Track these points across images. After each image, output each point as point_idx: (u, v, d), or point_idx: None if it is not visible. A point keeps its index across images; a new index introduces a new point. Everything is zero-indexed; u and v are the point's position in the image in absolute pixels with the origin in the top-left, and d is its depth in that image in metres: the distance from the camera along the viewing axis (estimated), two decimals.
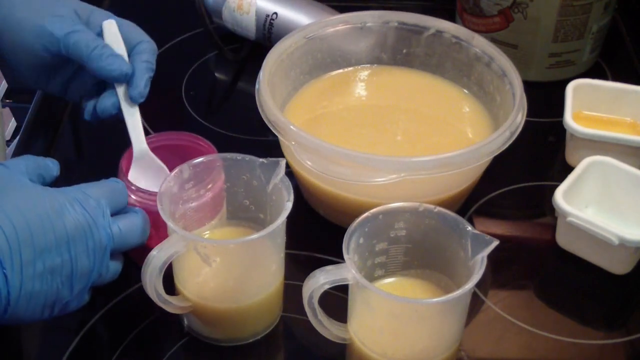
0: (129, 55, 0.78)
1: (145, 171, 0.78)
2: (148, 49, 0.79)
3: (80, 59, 0.76)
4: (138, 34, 0.80)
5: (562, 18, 0.98)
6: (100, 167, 0.92)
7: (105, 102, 0.78)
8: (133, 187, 0.75)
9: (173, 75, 1.04)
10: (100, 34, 0.78)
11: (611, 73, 1.06)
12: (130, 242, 0.69)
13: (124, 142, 0.79)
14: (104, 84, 0.79)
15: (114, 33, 0.78)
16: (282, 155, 0.77)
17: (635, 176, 0.83)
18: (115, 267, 0.69)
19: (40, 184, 0.68)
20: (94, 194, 0.67)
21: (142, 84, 0.77)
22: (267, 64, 0.84)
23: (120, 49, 0.78)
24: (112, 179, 0.71)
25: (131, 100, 0.77)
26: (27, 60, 0.78)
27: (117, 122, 0.87)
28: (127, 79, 0.77)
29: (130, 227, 0.69)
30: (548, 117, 0.96)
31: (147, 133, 0.86)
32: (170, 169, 0.73)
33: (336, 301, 0.70)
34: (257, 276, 0.73)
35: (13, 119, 1.56)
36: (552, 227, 0.84)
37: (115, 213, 0.69)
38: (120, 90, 0.77)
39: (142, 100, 0.78)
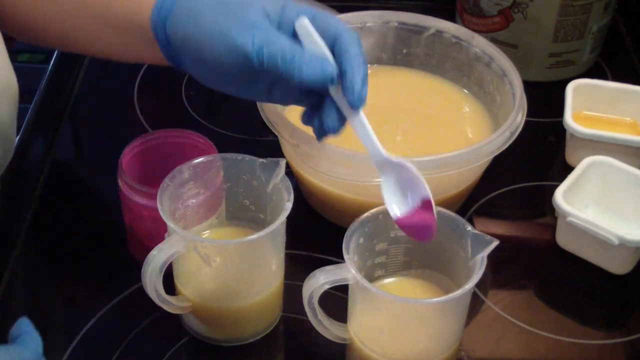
0: (332, 53, 0.66)
1: (397, 182, 0.68)
2: (350, 40, 0.66)
3: (277, 72, 0.65)
4: (334, 26, 0.67)
5: (562, 18, 0.98)
6: (100, 166, 0.92)
7: (328, 120, 0.67)
8: (136, 187, 0.75)
9: (173, 75, 1.04)
10: (294, 34, 0.67)
11: (611, 73, 1.06)
12: None
13: (124, 141, 0.79)
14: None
15: (309, 33, 0.66)
16: (282, 155, 0.77)
17: (635, 176, 0.83)
18: None
19: None
20: None
21: (356, 83, 0.65)
22: None
23: (320, 48, 0.66)
24: (26, 342, 0.59)
25: (350, 106, 0.66)
26: (220, 74, 0.68)
27: (116, 119, 0.87)
28: (335, 81, 0.65)
29: None
30: (548, 117, 0.96)
31: (146, 131, 0.87)
32: (169, 167, 0.73)
33: (336, 301, 0.70)
34: (257, 276, 0.73)
35: None
36: (552, 227, 0.84)
37: None
38: (338, 95, 0.66)
39: (362, 104, 0.66)
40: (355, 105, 0.66)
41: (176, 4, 0.67)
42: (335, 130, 0.68)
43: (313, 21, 0.66)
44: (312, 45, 0.66)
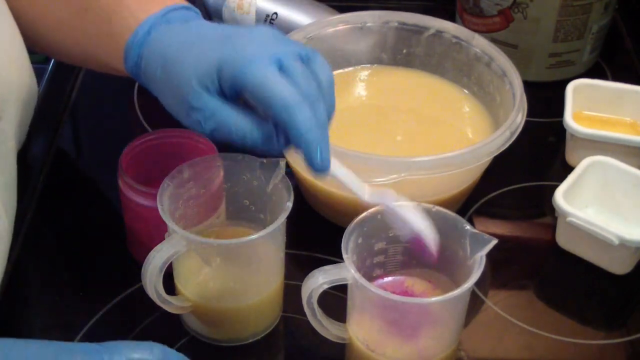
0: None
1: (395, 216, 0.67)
2: (290, 118, 0.61)
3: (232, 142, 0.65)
4: (269, 101, 0.62)
5: (562, 18, 0.98)
6: (100, 166, 0.92)
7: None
8: (136, 187, 0.75)
9: None
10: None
11: (611, 73, 1.06)
12: None
13: (124, 141, 0.79)
14: None
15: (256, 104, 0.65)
16: (282, 155, 0.77)
17: (635, 176, 0.83)
18: None
19: None
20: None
21: (312, 158, 0.61)
22: None
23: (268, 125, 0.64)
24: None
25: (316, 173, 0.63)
26: None
27: (116, 119, 0.87)
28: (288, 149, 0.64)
29: None
30: (548, 117, 0.96)
31: (146, 131, 0.87)
32: (169, 167, 0.73)
33: (336, 301, 0.70)
34: (257, 276, 0.73)
35: None
36: (552, 227, 0.84)
37: None
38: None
39: (327, 168, 0.62)
40: (322, 172, 0.63)
41: (140, 68, 0.70)
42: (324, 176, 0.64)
43: (253, 91, 0.62)
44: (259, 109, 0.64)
